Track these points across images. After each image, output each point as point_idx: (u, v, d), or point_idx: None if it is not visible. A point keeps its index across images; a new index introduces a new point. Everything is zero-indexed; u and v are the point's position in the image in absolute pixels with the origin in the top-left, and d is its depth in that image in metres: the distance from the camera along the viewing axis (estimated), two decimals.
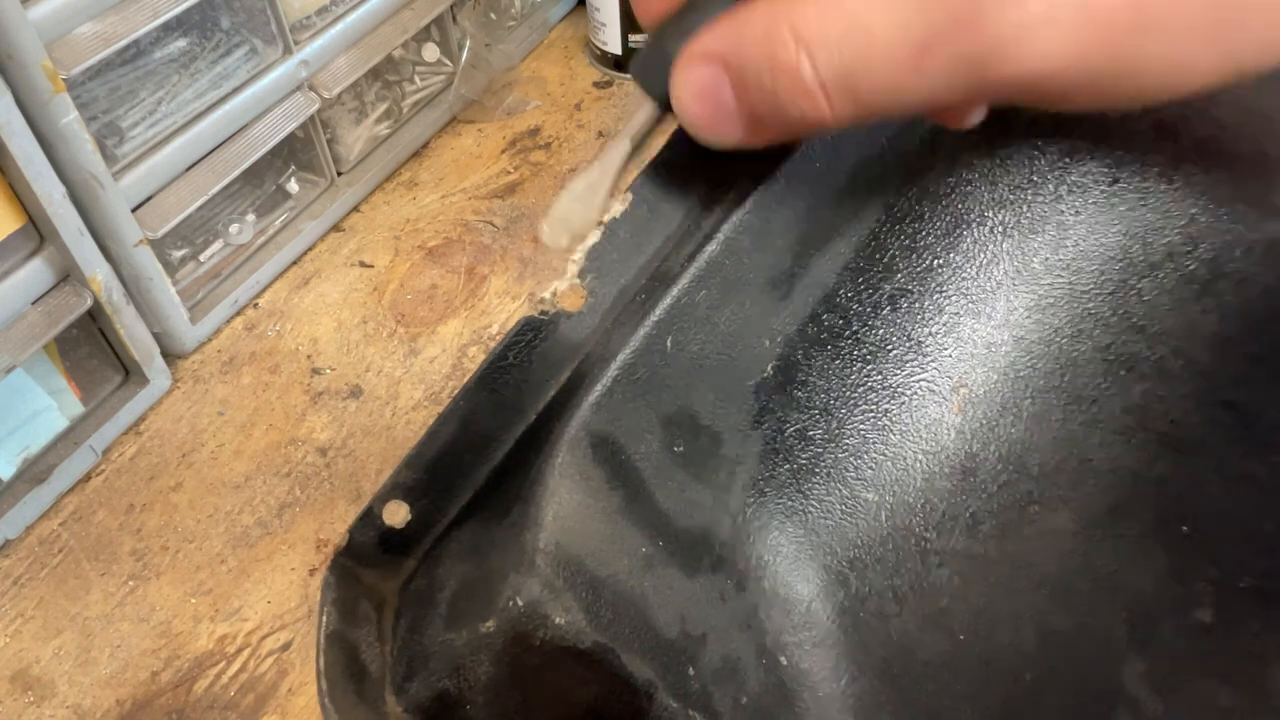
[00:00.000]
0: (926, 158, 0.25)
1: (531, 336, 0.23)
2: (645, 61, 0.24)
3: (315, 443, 0.66)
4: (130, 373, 0.68)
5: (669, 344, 0.23)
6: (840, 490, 0.25)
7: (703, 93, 0.20)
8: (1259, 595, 0.22)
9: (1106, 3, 0.15)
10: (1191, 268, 0.25)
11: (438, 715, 0.21)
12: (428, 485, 0.23)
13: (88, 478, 0.65)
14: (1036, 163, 0.25)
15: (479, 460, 0.23)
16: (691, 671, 0.22)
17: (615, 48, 0.91)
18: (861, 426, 0.25)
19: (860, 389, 0.25)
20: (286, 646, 0.56)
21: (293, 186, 0.78)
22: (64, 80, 0.55)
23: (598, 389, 0.23)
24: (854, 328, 0.25)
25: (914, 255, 0.25)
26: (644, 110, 0.24)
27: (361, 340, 0.72)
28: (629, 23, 0.89)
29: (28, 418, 0.62)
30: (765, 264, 0.24)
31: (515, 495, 0.23)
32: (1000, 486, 0.24)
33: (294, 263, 0.78)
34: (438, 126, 0.88)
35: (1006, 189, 0.25)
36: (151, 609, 0.58)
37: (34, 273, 0.58)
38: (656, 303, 0.23)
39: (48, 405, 0.63)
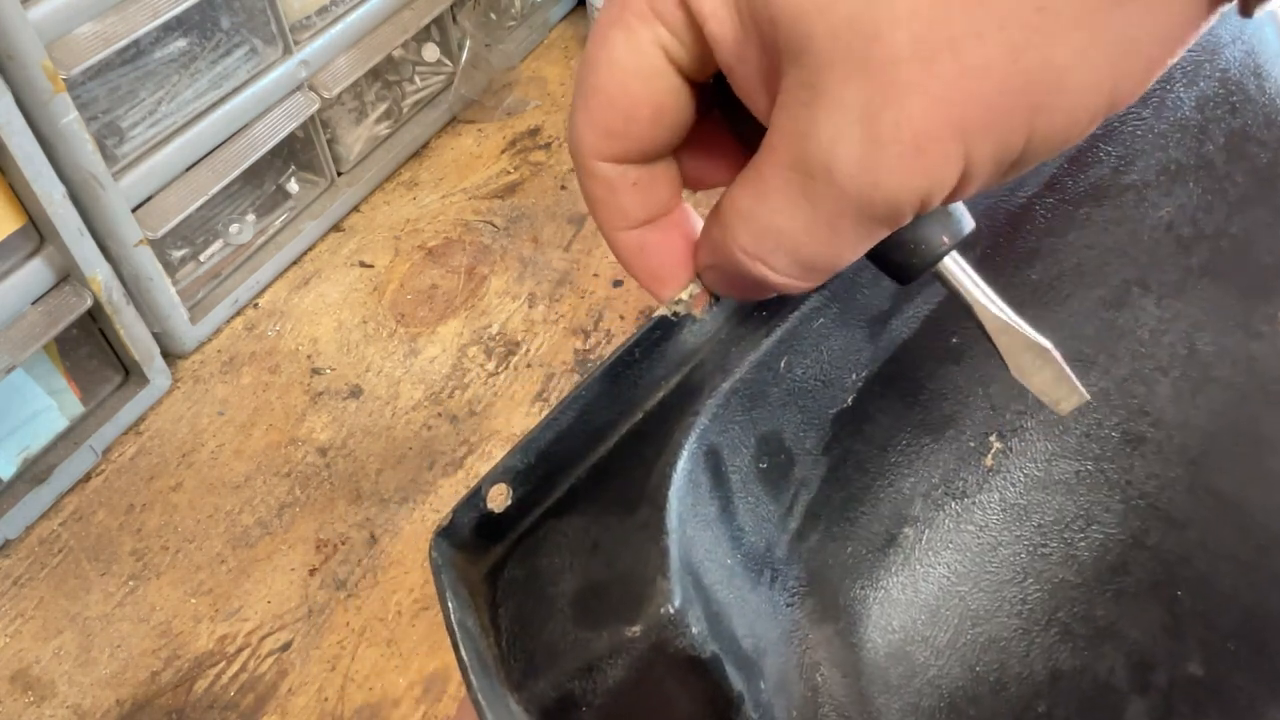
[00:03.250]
0: (1026, 229, 0.27)
1: (660, 335, 0.24)
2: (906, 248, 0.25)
3: (315, 443, 0.66)
4: (130, 373, 0.68)
5: (782, 365, 0.24)
6: (884, 524, 0.26)
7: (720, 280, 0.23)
8: (1243, 655, 0.25)
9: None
10: (1191, 371, 0.27)
11: (555, 716, 0.21)
12: (534, 471, 0.23)
13: (88, 478, 0.65)
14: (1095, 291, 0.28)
15: (586, 452, 0.24)
16: (762, 685, 0.22)
17: None
18: (907, 464, 0.26)
19: (914, 431, 0.26)
20: (286, 646, 0.56)
21: (293, 186, 0.78)
22: (64, 80, 0.55)
23: (716, 399, 0.23)
24: (919, 374, 0.26)
25: (983, 312, 0.26)
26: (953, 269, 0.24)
27: (361, 340, 0.72)
28: None
29: (28, 418, 0.62)
30: (873, 301, 0.25)
31: (636, 495, 0.23)
32: (1022, 544, 0.26)
33: (294, 263, 0.78)
34: (438, 126, 0.88)
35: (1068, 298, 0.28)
36: (151, 609, 0.58)
37: (34, 273, 0.58)
38: (779, 323, 0.24)
39: (48, 405, 0.63)
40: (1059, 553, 0.26)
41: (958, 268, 0.21)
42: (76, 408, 0.65)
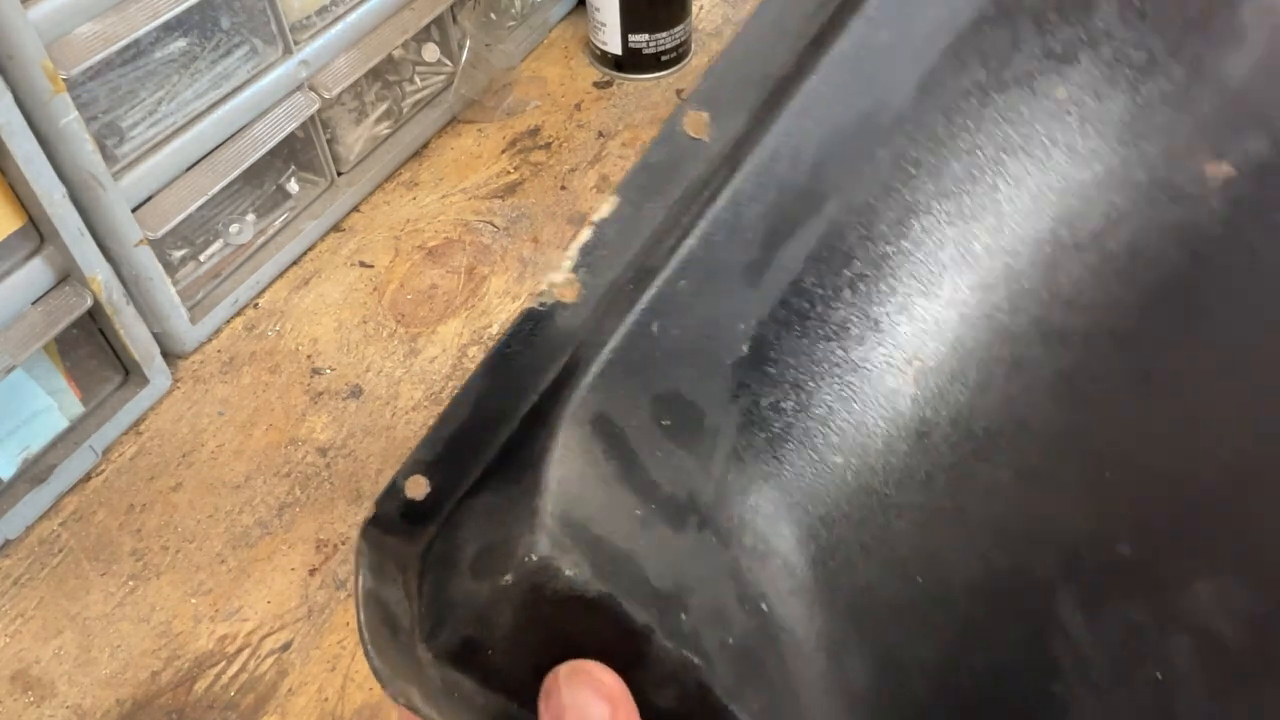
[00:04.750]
0: (878, 160, 0.28)
1: (531, 326, 0.26)
2: None
3: (315, 443, 0.66)
4: (130, 373, 0.68)
5: (655, 329, 0.26)
6: (810, 455, 0.27)
7: None
8: (1171, 531, 0.25)
9: None
10: (1112, 248, 0.28)
11: (463, 660, 0.24)
12: (444, 460, 0.26)
13: (88, 478, 0.65)
14: (976, 157, 0.28)
15: (489, 437, 0.26)
16: (684, 617, 0.24)
17: (615, 48, 0.91)
18: (828, 398, 0.28)
19: (825, 364, 0.27)
20: (286, 646, 0.56)
21: (293, 186, 0.78)
22: (64, 80, 0.55)
23: (592, 371, 0.26)
24: (818, 310, 0.28)
25: (869, 244, 0.28)
26: None
27: (361, 340, 0.72)
28: (629, 23, 0.89)
29: (28, 418, 0.62)
30: (739, 255, 0.27)
31: (525, 465, 0.25)
32: (950, 447, 0.27)
33: (294, 263, 0.78)
34: (438, 126, 0.88)
35: (950, 182, 0.28)
36: (151, 609, 0.58)
37: (34, 273, 0.58)
38: (643, 293, 0.26)
39: (48, 405, 0.63)
40: (993, 457, 0.27)
41: None
42: (76, 408, 0.65)
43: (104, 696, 0.54)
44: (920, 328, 0.28)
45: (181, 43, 0.64)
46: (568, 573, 0.23)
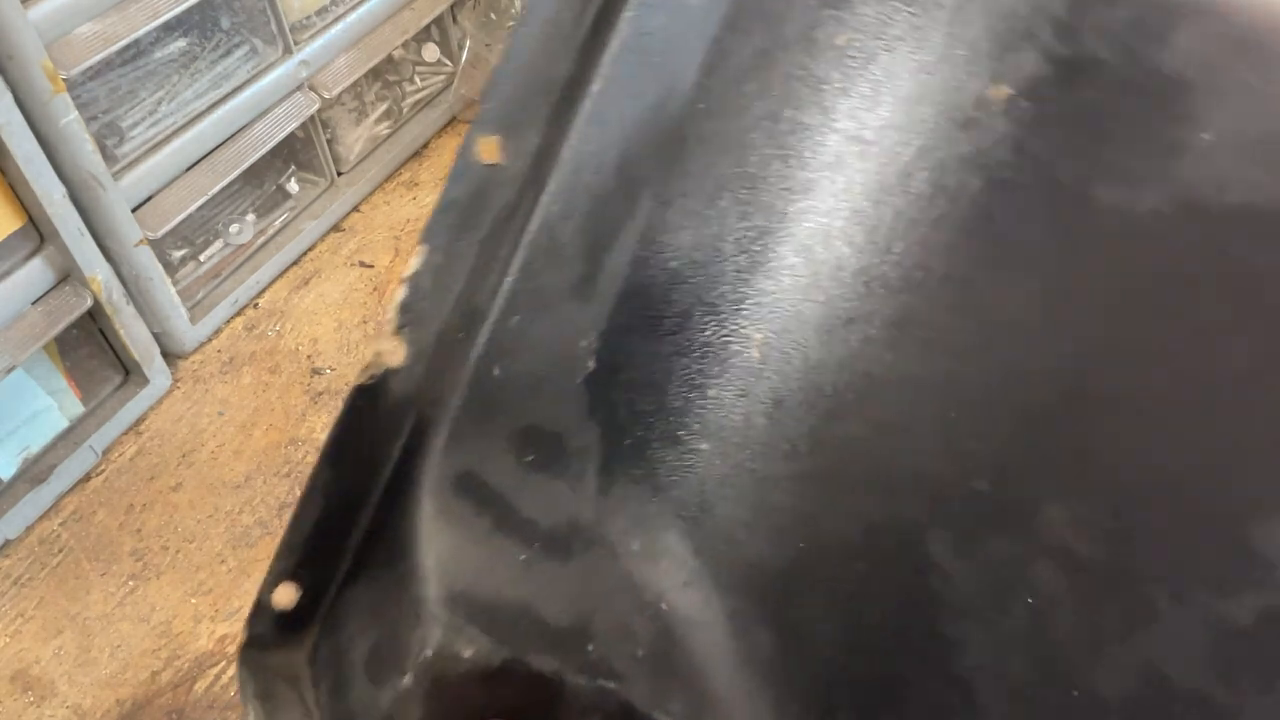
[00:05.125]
0: (679, 145, 0.28)
1: (365, 403, 0.25)
2: None
3: (315, 443, 0.66)
4: (130, 373, 0.68)
5: (496, 372, 0.26)
6: (677, 449, 0.27)
7: None
8: (1020, 460, 0.26)
9: None
10: (917, 189, 0.28)
11: None
12: (309, 560, 0.25)
13: (88, 478, 0.65)
14: (775, 123, 0.28)
15: (350, 526, 0.26)
16: (590, 648, 0.24)
17: None
18: (682, 389, 0.27)
19: (674, 357, 0.27)
20: None
21: (293, 186, 0.78)
22: (64, 80, 0.55)
23: (442, 434, 0.25)
24: (656, 306, 0.27)
25: (690, 230, 0.28)
26: None
27: (362, 340, 0.72)
28: None
29: (28, 418, 0.62)
30: (564, 275, 0.27)
31: (396, 549, 0.25)
32: (805, 410, 0.27)
33: (294, 263, 0.78)
34: (438, 126, 0.88)
35: (752, 152, 0.28)
36: (151, 609, 0.58)
37: (34, 273, 0.58)
38: (475, 339, 0.26)
39: (48, 405, 0.63)
40: (846, 414, 0.28)
41: None
42: (76, 408, 0.65)
43: (104, 696, 0.54)
44: (756, 302, 0.28)
45: (181, 43, 0.64)
46: (466, 655, 0.23)
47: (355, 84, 0.78)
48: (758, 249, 0.28)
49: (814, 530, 0.27)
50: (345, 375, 0.70)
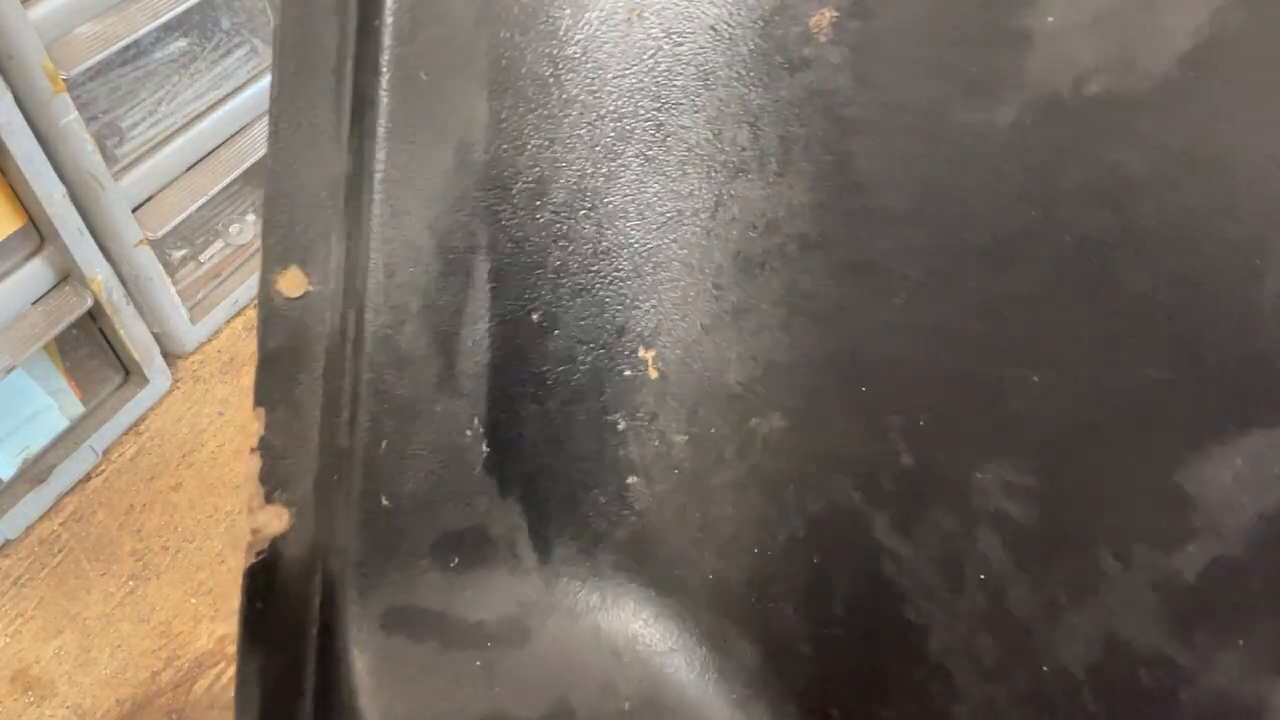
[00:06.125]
0: (499, 191, 0.26)
1: (263, 583, 0.24)
2: None
3: None
4: (130, 373, 0.68)
5: (385, 501, 0.25)
6: (605, 492, 0.26)
7: None
8: (939, 425, 0.25)
9: None
10: (764, 150, 0.26)
11: None
12: None
13: (88, 478, 0.65)
14: (598, 133, 0.27)
15: (293, 701, 0.25)
16: None
17: None
18: (588, 434, 0.26)
19: (568, 407, 0.26)
20: None
21: None
22: (64, 80, 0.55)
23: (353, 579, 0.24)
24: (531, 364, 0.26)
25: (533, 276, 0.26)
26: None
27: None
28: None
29: (28, 418, 0.62)
30: (424, 379, 0.25)
31: (344, 712, 0.24)
32: (719, 415, 0.26)
33: None
34: None
35: (583, 174, 0.27)
36: (152, 609, 0.58)
37: (34, 273, 0.58)
38: (351, 476, 0.24)
39: (48, 405, 0.63)
40: (760, 410, 0.26)
41: None
42: (76, 408, 0.65)
43: (104, 696, 0.54)
44: (636, 320, 0.26)
45: (182, 43, 0.64)
46: None
47: None
48: (620, 266, 0.26)
49: (762, 534, 0.26)
50: None
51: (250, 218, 0.75)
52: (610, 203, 0.25)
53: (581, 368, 0.26)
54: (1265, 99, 0.22)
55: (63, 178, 0.57)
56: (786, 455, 0.26)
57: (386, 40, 0.23)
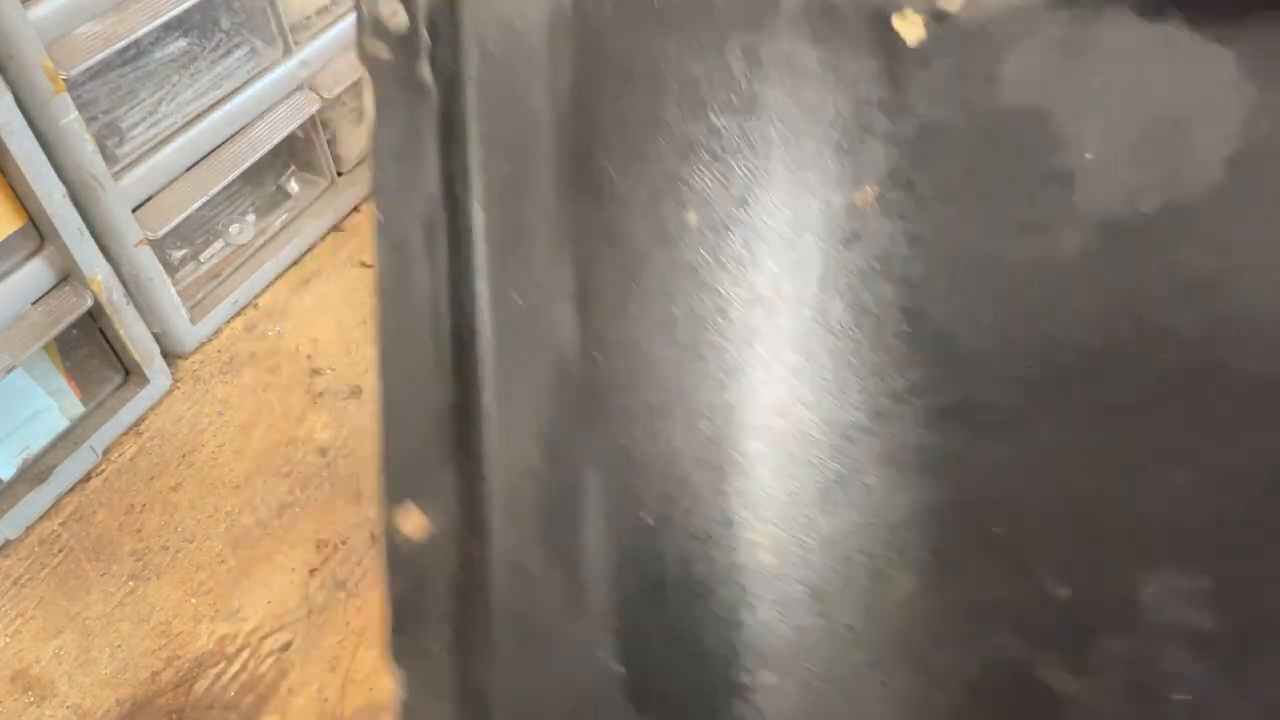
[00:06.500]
0: (594, 398, 0.27)
1: None
2: None
3: (315, 443, 0.66)
4: (130, 373, 0.68)
5: None
6: (743, 697, 0.26)
7: None
8: (1085, 549, 0.24)
9: None
10: (845, 319, 0.27)
11: None
12: None
13: (88, 478, 0.65)
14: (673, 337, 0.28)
15: None
16: None
17: None
18: (717, 635, 0.26)
19: (691, 605, 0.26)
20: (286, 647, 0.56)
21: (293, 186, 0.78)
22: (64, 80, 0.55)
23: None
24: (649, 568, 0.26)
25: (642, 480, 0.26)
26: None
27: (362, 340, 0.72)
28: None
29: (28, 418, 0.62)
30: (549, 603, 0.26)
31: None
32: (846, 590, 0.26)
33: (294, 263, 0.78)
34: None
35: (676, 373, 0.27)
36: (151, 609, 0.58)
37: (34, 273, 0.58)
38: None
39: (48, 405, 0.63)
40: (886, 567, 0.26)
41: None
42: (76, 408, 0.65)
43: (104, 696, 0.54)
44: (741, 505, 0.26)
45: (182, 43, 0.64)
46: None
47: (355, 84, 0.78)
48: (719, 453, 0.26)
49: (916, 705, 0.25)
50: (345, 375, 0.70)
51: (250, 218, 0.75)
52: (699, 396, 0.26)
53: (698, 565, 0.26)
54: None
55: (63, 178, 0.57)
56: (925, 618, 0.25)
57: (479, 275, 0.24)
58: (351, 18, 0.76)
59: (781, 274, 0.26)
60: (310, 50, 0.71)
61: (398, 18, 0.23)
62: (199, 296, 0.72)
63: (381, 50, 0.23)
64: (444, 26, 0.24)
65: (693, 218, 0.25)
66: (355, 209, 0.82)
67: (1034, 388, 0.24)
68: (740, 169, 0.25)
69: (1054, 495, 0.24)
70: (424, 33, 0.24)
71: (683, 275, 0.25)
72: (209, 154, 0.67)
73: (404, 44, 0.23)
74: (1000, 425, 0.24)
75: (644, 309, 0.25)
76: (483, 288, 0.24)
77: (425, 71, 0.24)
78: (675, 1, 0.26)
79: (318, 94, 0.73)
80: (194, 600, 0.58)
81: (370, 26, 0.23)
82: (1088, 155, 0.24)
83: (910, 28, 0.26)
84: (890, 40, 0.26)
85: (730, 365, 0.25)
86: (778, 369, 0.26)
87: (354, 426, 0.67)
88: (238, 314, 0.74)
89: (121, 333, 0.64)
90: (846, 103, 0.26)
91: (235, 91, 0.67)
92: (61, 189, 0.57)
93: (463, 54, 0.23)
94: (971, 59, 0.26)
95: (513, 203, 0.23)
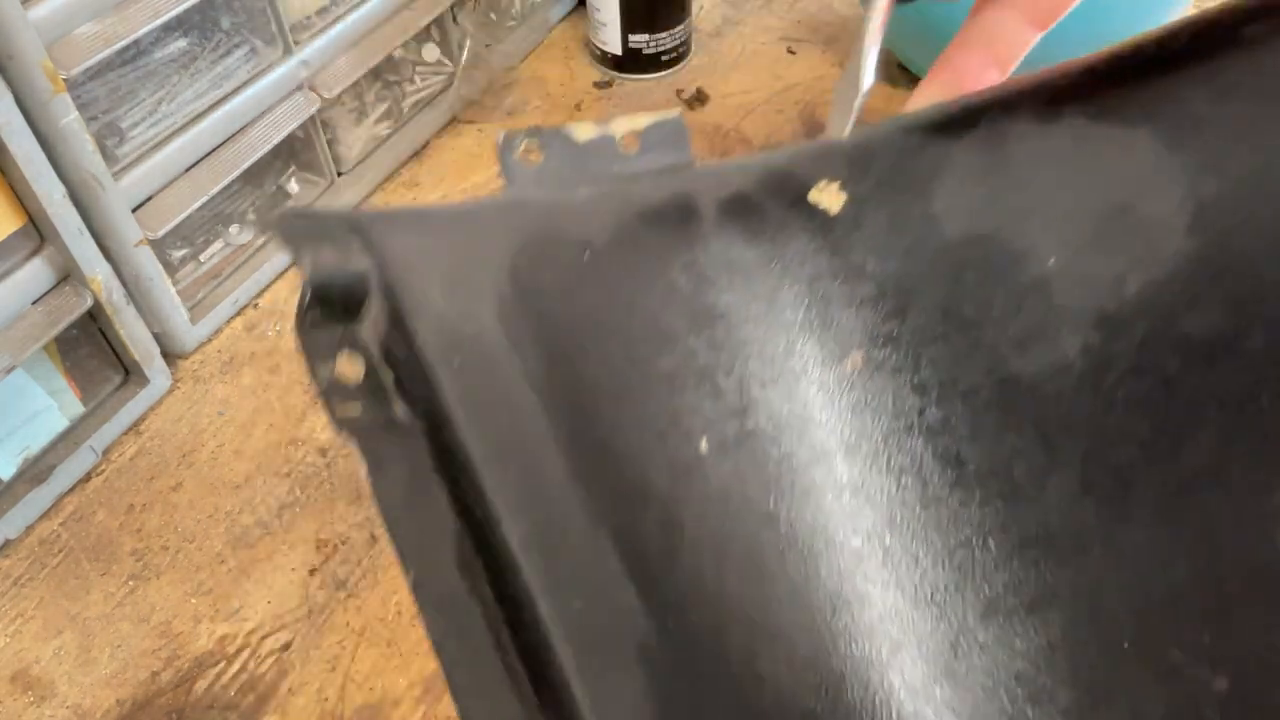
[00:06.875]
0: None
1: None
2: None
3: (315, 443, 0.66)
4: (130, 373, 0.68)
5: None
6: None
7: None
8: (1231, 629, 0.23)
9: None
10: (889, 489, 0.25)
11: None
12: None
13: (88, 478, 0.65)
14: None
15: None
16: None
17: (615, 48, 0.91)
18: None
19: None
20: (287, 647, 0.56)
21: (293, 186, 0.78)
22: (64, 80, 0.55)
23: None
24: None
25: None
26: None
27: None
28: (629, 23, 0.89)
29: (28, 418, 0.62)
30: None
31: None
32: None
33: (294, 263, 0.78)
34: (438, 126, 0.88)
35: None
36: (151, 609, 0.58)
37: (34, 273, 0.58)
38: None
39: (48, 405, 0.63)
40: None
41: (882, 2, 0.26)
42: (76, 408, 0.65)
43: (104, 696, 0.54)
44: (864, 709, 0.24)
45: (182, 43, 0.64)
46: None
47: (355, 84, 0.78)
48: (828, 669, 0.25)
49: None
50: None
51: (250, 217, 0.75)
52: (786, 621, 0.25)
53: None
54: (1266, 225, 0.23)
55: (63, 178, 0.57)
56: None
57: (534, 595, 0.22)
58: (352, 17, 0.77)
59: (808, 464, 0.25)
60: (310, 50, 0.71)
61: (354, 368, 0.23)
62: (199, 296, 0.72)
63: (353, 409, 0.22)
64: (402, 358, 0.23)
65: (704, 444, 0.24)
66: (355, 209, 0.82)
67: (1098, 495, 0.24)
68: (727, 382, 0.25)
69: (1165, 589, 0.23)
70: (385, 371, 0.23)
71: (716, 505, 0.24)
72: (209, 154, 0.67)
73: (370, 391, 0.23)
74: (1081, 543, 0.24)
75: (695, 553, 0.24)
76: (543, 606, 0.22)
77: (401, 410, 0.23)
78: (603, 249, 0.25)
79: (318, 94, 0.73)
80: (194, 600, 0.58)
81: (334, 393, 0.22)
82: (1051, 261, 0.24)
83: (829, 197, 0.26)
84: (814, 214, 0.26)
85: (804, 578, 0.24)
86: (843, 561, 0.25)
87: None
88: (238, 314, 0.74)
89: (121, 333, 0.64)
90: (799, 285, 0.25)
91: (235, 91, 0.67)
92: (61, 189, 0.57)
93: (430, 379, 0.23)
94: (901, 208, 0.26)
95: (535, 507, 0.23)
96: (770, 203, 0.26)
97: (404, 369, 0.23)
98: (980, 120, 0.27)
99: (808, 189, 0.26)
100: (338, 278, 0.23)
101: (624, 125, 0.29)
